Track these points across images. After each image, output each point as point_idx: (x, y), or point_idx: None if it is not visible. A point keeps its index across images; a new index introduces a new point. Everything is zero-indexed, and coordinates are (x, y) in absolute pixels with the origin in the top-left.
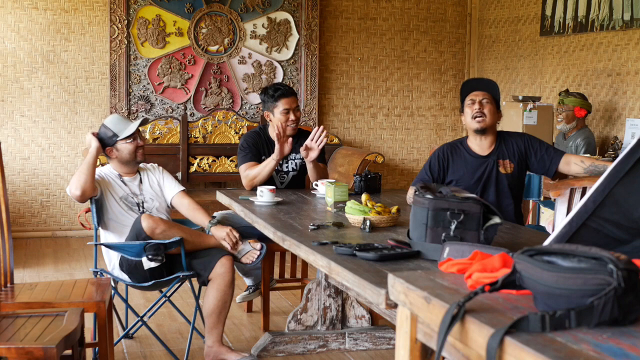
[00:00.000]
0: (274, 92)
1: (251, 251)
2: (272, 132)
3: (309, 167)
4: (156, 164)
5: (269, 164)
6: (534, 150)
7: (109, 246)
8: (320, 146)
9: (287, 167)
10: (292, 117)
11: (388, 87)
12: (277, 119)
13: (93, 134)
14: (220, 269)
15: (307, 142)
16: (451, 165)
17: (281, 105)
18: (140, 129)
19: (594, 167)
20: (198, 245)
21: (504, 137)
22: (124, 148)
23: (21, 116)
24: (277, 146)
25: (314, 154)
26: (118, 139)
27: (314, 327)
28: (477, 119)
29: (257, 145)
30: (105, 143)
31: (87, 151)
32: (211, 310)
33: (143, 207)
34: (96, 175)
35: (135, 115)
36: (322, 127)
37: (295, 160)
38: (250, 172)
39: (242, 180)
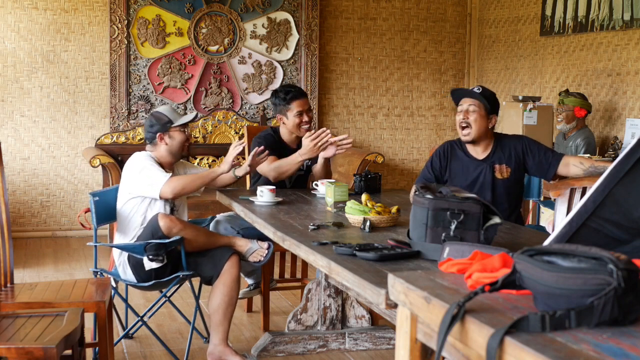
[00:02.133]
0: (285, 95)
1: (258, 250)
2: (285, 135)
3: (320, 163)
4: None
5: (297, 161)
6: (532, 154)
7: (111, 245)
8: (340, 151)
9: None
10: (305, 118)
11: (388, 87)
12: (291, 121)
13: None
14: (228, 265)
15: (333, 139)
16: (449, 164)
17: (294, 108)
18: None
19: (594, 169)
20: (210, 244)
21: (501, 140)
22: (177, 136)
23: (21, 116)
24: (310, 145)
25: (331, 151)
26: (173, 125)
27: (314, 327)
28: (464, 131)
29: (273, 146)
30: (158, 129)
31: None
32: (217, 305)
33: (174, 203)
34: None
35: (136, 115)
36: (351, 139)
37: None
38: (282, 166)
39: (269, 174)
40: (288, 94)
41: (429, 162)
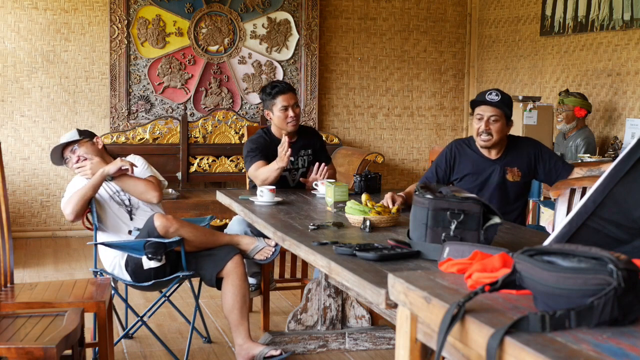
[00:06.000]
0: (271, 90)
1: (265, 247)
2: (276, 132)
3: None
4: (133, 154)
5: (274, 169)
6: (544, 161)
7: (110, 245)
8: (322, 181)
9: (296, 164)
10: (291, 113)
11: (388, 87)
12: (276, 116)
13: (128, 163)
14: (231, 265)
15: (312, 176)
16: (458, 164)
17: (279, 103)
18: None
19: (590, 172)
20: (211, 243)
21: (515, 143)
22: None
23: (21, 116)
24: (281, 154)
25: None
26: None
27: (314, 327)
28: (483, 137)
29: (265, 147)
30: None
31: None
32: (231, 306)
33: (130, 203)
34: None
35: (136, 115)
36: (325, 167)
37: (304, 157)
38: (260, 174)
39: (255, 180)
40: (274, 88)
41: (435, 162)
